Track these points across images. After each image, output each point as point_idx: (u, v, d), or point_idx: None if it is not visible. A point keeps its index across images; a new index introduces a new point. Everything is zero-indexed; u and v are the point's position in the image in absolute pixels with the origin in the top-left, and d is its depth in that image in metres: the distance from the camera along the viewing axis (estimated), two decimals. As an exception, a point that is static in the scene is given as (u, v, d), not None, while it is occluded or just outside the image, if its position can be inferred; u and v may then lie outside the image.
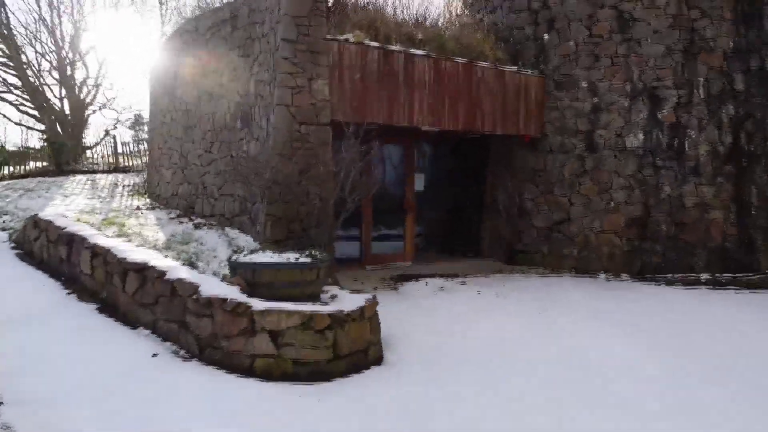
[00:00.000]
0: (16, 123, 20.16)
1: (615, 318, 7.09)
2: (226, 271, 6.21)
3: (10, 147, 19.37)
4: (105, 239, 6.99)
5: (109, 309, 6.23)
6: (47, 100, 19.21)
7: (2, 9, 17.99)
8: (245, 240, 7.85)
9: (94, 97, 20.53)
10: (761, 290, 8.54)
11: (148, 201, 11.40)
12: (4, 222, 9.81)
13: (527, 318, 7.02)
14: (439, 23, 10.30)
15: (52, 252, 7.58)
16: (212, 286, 5.37)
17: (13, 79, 18.76)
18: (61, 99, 19.61)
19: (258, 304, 5.10)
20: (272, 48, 7.77)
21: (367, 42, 8.15)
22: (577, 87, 9.95)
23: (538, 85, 10.18)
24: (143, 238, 7.76)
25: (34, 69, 19.21)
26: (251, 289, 5.48)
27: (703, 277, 8.96)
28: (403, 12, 9.95)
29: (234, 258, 5.87)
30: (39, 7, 24.20)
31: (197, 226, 8.72)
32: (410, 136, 10.23)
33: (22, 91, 18.97)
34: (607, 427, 4.43)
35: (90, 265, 6.69)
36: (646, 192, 9.50)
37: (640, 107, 9.56)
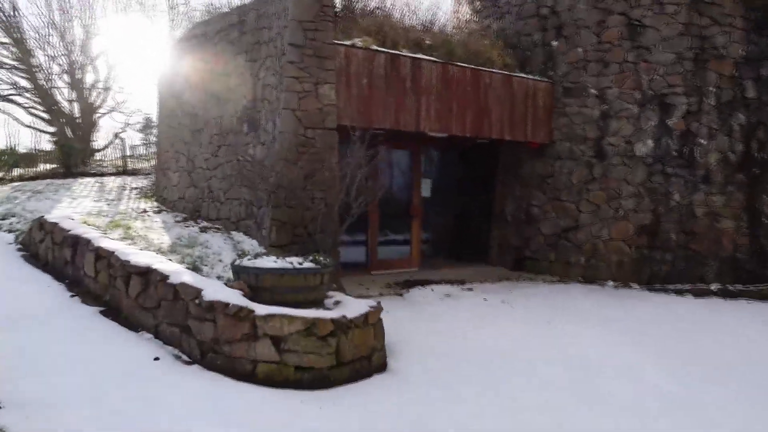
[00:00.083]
0: (26, 125, 20.33)
1: (623, 326, 7.01)
2: (230, 275, 6.17)
3: (21, 149, 19.52)
4: (109, 242, 6.98)
5: (112, 312, 6.21)
6: (57, 103, 19.31)
7: (15, 12, 18.17)
8: (251, 244, 7.81)
9: (104, 101, 20.59)
10: (773, 301, 8.42)
11: (156, 204, 11.40)
12: (11, 224, 9.82)
13: (534, 326, 6.95)
14: (447, 29, 10.29)
15: (57, 254, 7.58)
16: (215, 291, 5.33)
17: (24, 82, 18.93)
18: (71, 102, 19.70)
19: (260, 309, 5.05)
20: (279, 52, 7.77)
21: (375, 47, 8.13)
22: (586, 94, 9.86)
23: (546, 92, 10.11)
24: (148, 241, 7.74)
25: (45, 72, 19.36)
26: (254, 294, 5.44)
27: (713, 287, 8.82)
28: (410, 18, 9.97)
29: (237, 262, 5.84)
30: (50, 10, 24.43)
31: (203, 230, 8.70)
32: (417, 142, 10.19)
33: (33, 94, 19.08)
34: (607, 427, 4.40)
35: (94, 268, 6.67)
36: (656, 200, 9.38)
37: (650, 115, 9.46)
